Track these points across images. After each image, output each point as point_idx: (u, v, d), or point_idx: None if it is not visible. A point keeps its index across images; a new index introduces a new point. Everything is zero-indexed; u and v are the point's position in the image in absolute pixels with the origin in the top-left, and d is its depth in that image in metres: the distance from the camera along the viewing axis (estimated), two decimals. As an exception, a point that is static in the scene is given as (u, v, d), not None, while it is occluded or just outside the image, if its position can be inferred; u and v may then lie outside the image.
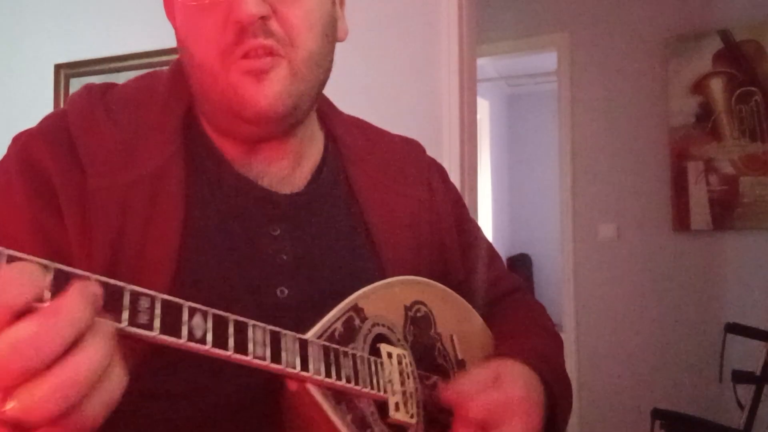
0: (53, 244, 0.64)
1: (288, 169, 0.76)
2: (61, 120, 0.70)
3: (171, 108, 0.73)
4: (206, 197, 0.71)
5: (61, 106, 0.81)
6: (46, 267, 0.44)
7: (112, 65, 2.60)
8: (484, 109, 5.69)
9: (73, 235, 0.64)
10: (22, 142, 0.69)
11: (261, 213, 0.72)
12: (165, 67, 0.79)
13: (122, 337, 0.47)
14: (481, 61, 3.38)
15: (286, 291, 0.70)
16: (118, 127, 0.70)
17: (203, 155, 0.73)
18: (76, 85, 2.68)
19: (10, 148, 0.69)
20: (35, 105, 2.69)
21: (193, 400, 0.65)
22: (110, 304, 0.47)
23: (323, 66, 0.72)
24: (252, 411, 0.65)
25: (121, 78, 0.79)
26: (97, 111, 0.71)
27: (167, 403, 0.65)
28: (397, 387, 0.66)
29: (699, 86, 3.46)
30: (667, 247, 3.51)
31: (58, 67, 2.72)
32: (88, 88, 0.74)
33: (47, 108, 2.69)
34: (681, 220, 3.47)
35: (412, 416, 0.66)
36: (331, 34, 0.73)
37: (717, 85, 3.42)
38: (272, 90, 0.66)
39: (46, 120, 0.72)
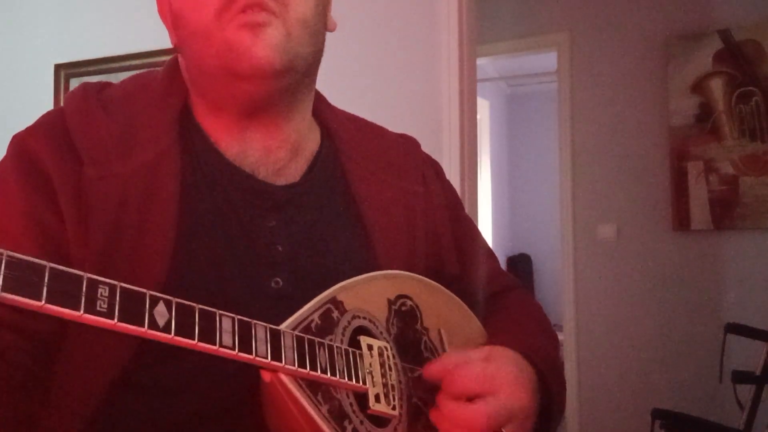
0: (48, 234, 0.65)
1: (284, 161, 0.76)
2: (58, 115, 0.71)
3: (166, 102, 0.74)
4: (202, 189, 0.71)
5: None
6: None
7: (112, 65, 2.60)
8: (484, 109, 5.69)
9: (70, 225, 0.65)
10: (20, 138, 0.70)
11: (256, 204, 0.73)
12: (161, 68, 0.80)
13: (81, 324, 0.47)
14: (481, 61, 3.38)
15: (281, 282, 0.71)
16: (114, 121, 0.71)
17: (198, 147, 0.74)
18: (76, 85, 2.67)
19: (8, 147, 0.70)
20: (35, 105, 2.67)
21: (186, 395, 0.66)
22: (69, 292, 0.47)
23: (316, 41, 0.73)
24: (245, 406, 0.65)
25: (121, 78, 0.80)
26: (93, 105, 0.72)
27: (158, 397, 0.66)
28: (378, 379, 0.65)
29: (699, 86, 3.45)
30: (667, 247, 3.50)
31: (58, 67, 2.72)
32: (84, 86, 0.75)
33: (47, 108, 2.67)
34: (681, 220, 3.47)
35: (394, 408, 0.65)
36: (323, 13, 0.75)
37: (717, 85, 3.42)
38: (268, 43, 0.67)
39: (43, 117, 0.73)
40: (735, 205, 3.36)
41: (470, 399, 0.64)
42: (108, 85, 0.77)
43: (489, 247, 0.94)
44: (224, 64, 0.68)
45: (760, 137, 3.33)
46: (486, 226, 5.55)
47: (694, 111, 3.46)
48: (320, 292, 0.66)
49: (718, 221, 3.39)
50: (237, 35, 0.67)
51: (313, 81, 0.79)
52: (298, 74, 0.72)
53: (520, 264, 5.94)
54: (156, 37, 2.30)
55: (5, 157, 0.69)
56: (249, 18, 0.67)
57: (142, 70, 0.82)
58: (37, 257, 0.61)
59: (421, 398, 0.69)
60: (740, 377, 2.41)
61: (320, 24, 0.74)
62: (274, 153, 0.75)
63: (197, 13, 0.69)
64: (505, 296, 0.90)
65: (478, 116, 2.88)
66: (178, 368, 0.64)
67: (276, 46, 0.67)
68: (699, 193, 3.43)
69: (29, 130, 0.70)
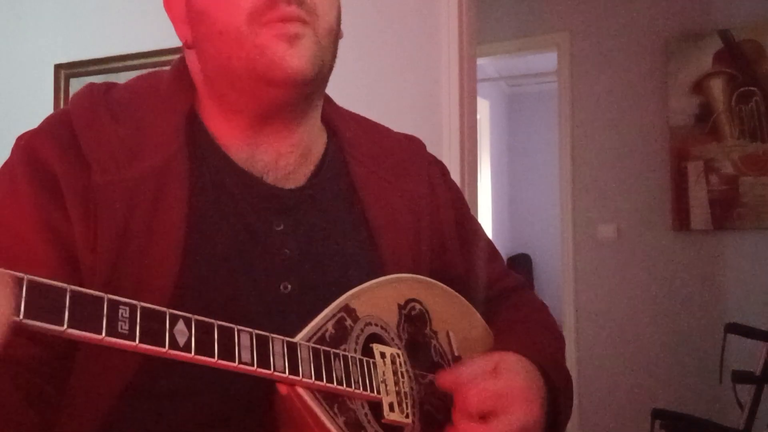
0: (61, 240, 0.64)
1: (294, 165, 0.76)
2: (64, 118, 0.70)
3: (173, 106, 0.74)
4: (210, 193, 0.71)
5: (61, 106, 0.82)
6: (19, 280, 0.44)
7: (112, 65, 2.60)
8: (484, 109, 5.68)
9: (78, 230, 0.64)
10: (26, 140, 0.69)
11: (265, 208, 0.73)
12: (166, 67, 0.79)
13: (103, 346, 0.47)
14: (481, 61, 3.38)
15: (290, 286, 0.70)
16: (121, 125, 0.70)
17: (206, 151, 0.73)
18: (76, 85, 2.67)
19: (14, 148, 0.70)
20: (35, 105, 2.69)
21: (195, 400, 0.65)
22: (90, 315, 0.47)
23: (336, 48, 0.74)
24: (253, 412, 0.65)
25: (121, 78, 0.79)
26: (99, 109, 0.71)
27: (168, 402, 0.66)
28: (392, 387, 0.66)
29: (699, 86, 3.45)
30: (667, 247, 3.50)
31: (58, 67, 2.72)
32: (90, 87, 0.74)
33: (47, 108, 2.68)
34: (681, 220, 3.47)
35: (407, 416, 0.66)
36: (340, 21, 0.75)
37: (717, 85, 3.42)
38: (302, 54, 0.68)
39: (49, 119, 0.72)
40: (735, 205, 3.36)
41: (484, 416, 0.64)
42: (113, 86, 0.76)
43: (494, 247, 0.94)
44: (254, 68, 0.68)
45: (760, 137, 3.33)
46: (486, 226, 5.55)
47: (694, 111, 3.46)
48: (328, 297, 0.66)
49: (718, 221, 3.39)
50: (272, 43, 0.67)
51: (326, 85, 0.80)
52: (321, 81, 0.74)
53: (520, 264, 5.93)
54: (156, 37, 2.31)
55: (13, 160, 0.69)
56: (287, 29, 0.67)
57: (142, 70, 0.81)
58: (53, 264, 0.61)
59: (434, 404, 0.69)
60: (740, 377, 2.41)
61: (338, 33, 0.75)
62: (284, 158, 0.75)
63: (227, 13, 0.68)
64: (510, 296, 0.90)
65: (478, 116, 2.88)
66: (187, 375, 0.64)
67: (309, 58, 0.68)
68: (699, 193, 3.43)
69: (36, 133, 0.70)
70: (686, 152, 3.46)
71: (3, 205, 0.66)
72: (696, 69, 3.46)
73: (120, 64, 2.58)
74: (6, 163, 0.70)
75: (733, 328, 2.55)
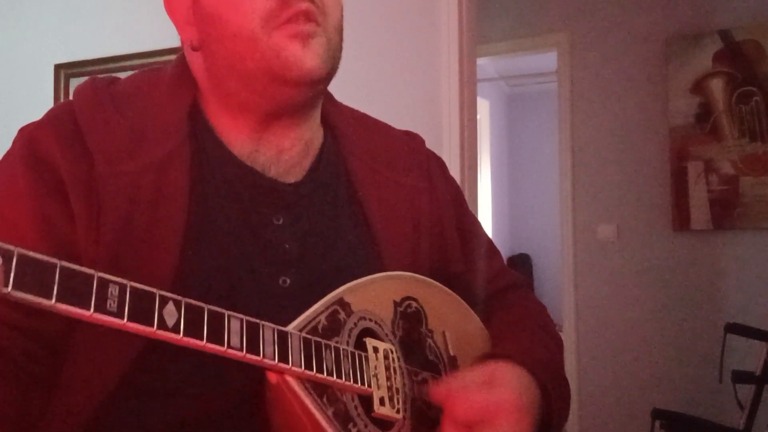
0: (57, 234, 0.64)
1: (297, 159, 0.77)
2: (67, 110, 0.70)
3: (176, 100, 0.74)
4: (211, 187, 0.71)
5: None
6: (10, 252, 0.44)
7: (112, 65, 2.60)
8: (484, 109, 5.68)
9: (80, 223, 0.64)
10: (28, 132, 0.69)
11: (265, 202, 0.73)
12: (167, 65, 0.80)
13: (92, 323, 0.48)
14: (481, 61, 3.38)
15: (289, 281, 0.71)
16: (124, 117, 0.71)
17: (208, 145, 0.73)
18: (76, 85, 2.67)
19: (15, 140, 0.70)
20: (35, 105, 2.68)
21: (189, 397, 0.65)
22: (79, 291, 0.47)
23: (342, 43, 0.75)
24: (247, 408, 0.65)
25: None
26: (103, 101, 0.71)
27: (162, 400, 0.66)
28: (383, 382, 0.65)
29: (699, 86, 3.45)
30: (667, 247, 3.50)
31: (58, 67, 2.72)
32: (93, 80, 0.75)
33: (47, 108, 2.68)
34: (681, 220, 3.47)
35: (398, 411, 0.66)
36: (343, 20, 0.76)
37: (717, 85, 3.42)
38: (316, 52, 0.69)
39: (52, 111, 0.73)
40: (735, 205, 3.36)
41: (471, 426, 0.64)
42: (116, 80, 0.76)
43: (493, 244, 0.94)
44: (269, 69, 0.69)
45: (760, 137, 3.33)
46: (486, 226, 5.54)
47: (694, 111, 3.46)
48: (326, 292, 0.66)
49: (718, 221, 3.39)
50: (287, 44, 0.68)
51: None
52: (331, 78, 0.74)
53: (520, 264, 5.93)
54: (156, 37, 2.31)
55: (13, 152, 0.69)
56: (300, 29, 0.68)
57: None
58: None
59: (425, 402, 0.69)
60: (740, 377, 2.40)
61: (342, 28, 0.76)
62: (287, 152, 0.76)
63: (240, 16, 0.69)
64: (508, 296, 0.89)
65: (478, 116, 2.89)
66: (180, 370, 0.64)
67: (322, 56, 0.70)
68: (699, 193, 3.43)
69: (38, 126, 0.70)
70: (686, 152, 3.46)
71: (1, 197, 0.66)
72: (696, 69, 3.46)
73: (120, 64, 2.58)
74: (7, 155, 0.69)
75: (733, 328, 2.55)
